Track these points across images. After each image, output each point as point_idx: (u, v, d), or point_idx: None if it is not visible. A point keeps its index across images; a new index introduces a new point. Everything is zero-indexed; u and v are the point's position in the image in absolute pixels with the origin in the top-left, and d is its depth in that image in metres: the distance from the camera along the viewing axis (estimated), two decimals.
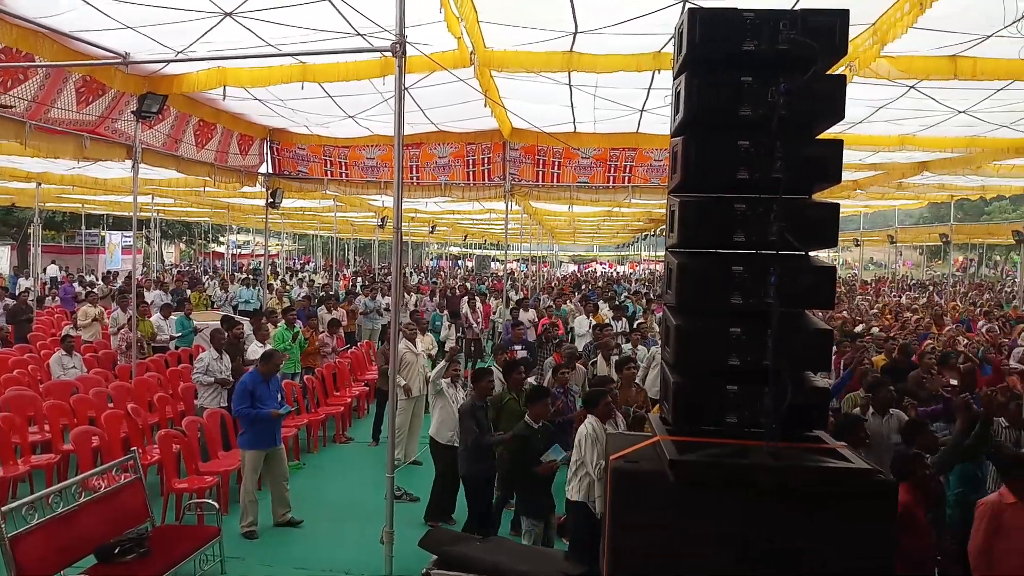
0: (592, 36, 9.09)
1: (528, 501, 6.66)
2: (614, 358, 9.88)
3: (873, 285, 35.17)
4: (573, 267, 67.67)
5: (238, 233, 55.18)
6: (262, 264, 23.40)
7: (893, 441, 6.58)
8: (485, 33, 9.15)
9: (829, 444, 3.34)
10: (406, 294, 20.22)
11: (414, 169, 15.17)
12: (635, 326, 13.66)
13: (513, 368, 8.21)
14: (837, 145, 3.38)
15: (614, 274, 51.95)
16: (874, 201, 28.41)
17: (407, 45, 6.17)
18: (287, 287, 24.53)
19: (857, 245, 35.38)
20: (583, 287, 29.19)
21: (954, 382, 9.02)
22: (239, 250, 58.50)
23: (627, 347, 11.38)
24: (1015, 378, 8.72)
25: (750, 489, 3.10)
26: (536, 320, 14.91)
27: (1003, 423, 6.64)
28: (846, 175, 19.84)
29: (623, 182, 14.84)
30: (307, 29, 9.00)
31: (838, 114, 3.37)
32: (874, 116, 12.67)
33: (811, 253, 3.48)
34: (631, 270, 57.25)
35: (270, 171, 16.13)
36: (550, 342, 12.08)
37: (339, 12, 8.38)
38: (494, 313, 18.05)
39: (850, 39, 8.96)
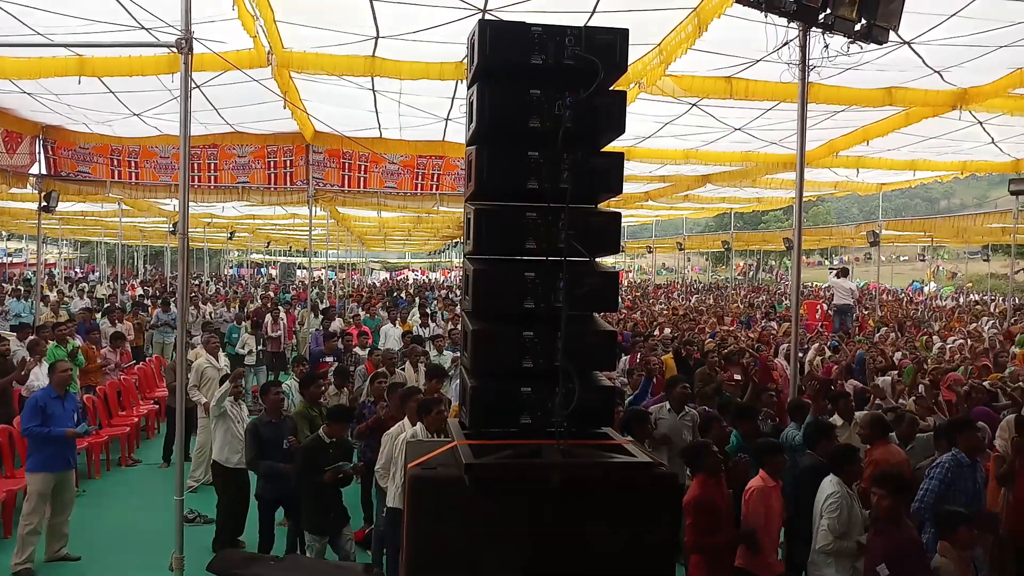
0: (394, 42, 9.07)
1: (313, 516, 6.42)
2: (422, 365, 9.88)
3: (665, 289, 37.64)
4: (385, 274, 67.08)
5: (8, 240, 49.89)
6: (35, 274, 21.30)
7: (685, 437, 6.96)
8: (284, 33, 8.88)
9: (616, 440, 3.52)
10: (202, 304, 19.11)
11: (211, 168, 14.39)
12: (447, 332, 13.74)
13: (311, 381, 7.96)
14: (619, 157, 3.58)
15: (426, 281, 52.03)
16: (664, 211, 30.45)
17: (195, 41, 5.84)
18: (65, 298, 22.44)
19: (650, 252, 37.71)
20: (394, 294, 28.99)
21: (738, 376, 9.75)
22: (10, 258, 52.88)
23: (435, 355, 11.39)
24: (776, 372, 9.67)
25: (543, 488, 3.20)
26: (343, 329, 14.61)
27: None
28: (638, 187, 21.13)
29: (431, 189, 14.92)
30: (85, 20, 8.31)
31: (619, 128, 3.57)
32: (661, 131, 13.57)
33: (597, 259, 3.66)
34: (443, 277, 57.69)
35: (43, 172, 14.68)
36: (350, 351, 11.88)
37: (120, 3, 7.81)
38: (298, 323, 17.50)
39: (638, 58, 9.62)
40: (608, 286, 3.54)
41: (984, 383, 8.69)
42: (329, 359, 11.42)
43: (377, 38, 8.94)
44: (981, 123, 12.47)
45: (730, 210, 28.09)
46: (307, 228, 15.75)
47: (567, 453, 3.27)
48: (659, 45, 9.04)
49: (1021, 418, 6.40)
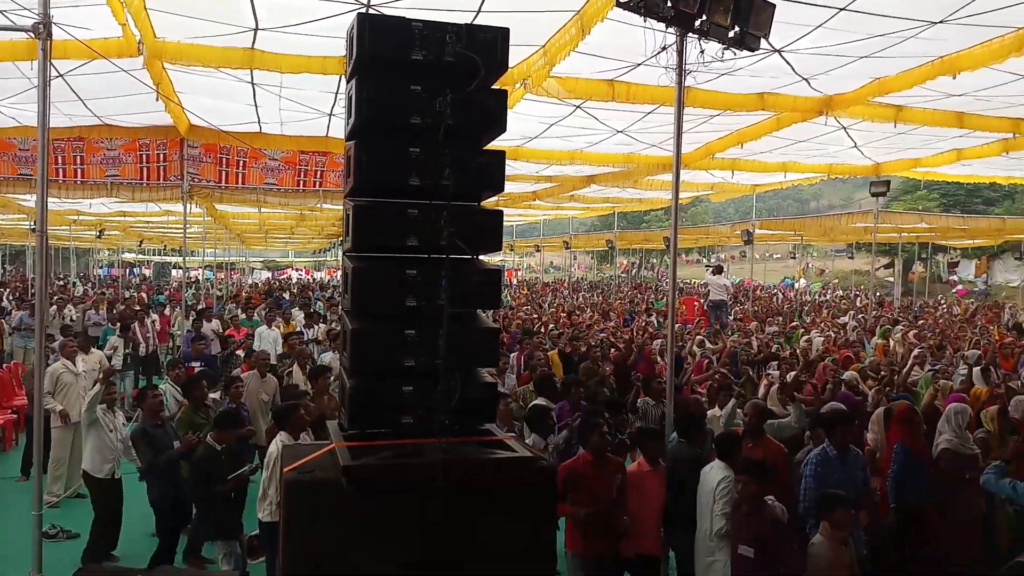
0: (274, 34, 8.79)
1: (219, 523, 6.20)
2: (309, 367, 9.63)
3: (552, 286, 38.21)
4: (267, 274, 65.07)
5: None
6: None
7: None
8: (156, 21, 8.44)
9: (498, 436, 3.53)
10: (66, 307, 17.99)
11: (77, 161, 13.55)
12: (328, 333, 13.44)
13: (193, 385, 7.64)
14: (500, 155, 3.59)
15: (310, 280, 50.81)
16: (552, 210, 30.86)
17: (55, 26, 5.48)
18: None
19: (538, 250, 38.17)
20: (274, 294, 28.16)
21: (608, 368, 9.97)
22: None
23: (326, 356, 11.09)
24: (662, 364, 9.98)
25: (425, 486, 3.18)
26: (221, 331, 14.06)
27: (649, 401, 7.52)
28: (526, 186, 21.33)
29: (314, 186, 14.56)
30: None
31: (501, 126, 3.59)
32: (547, 132, 13.72)
33: (480, 256, 3.66)
34: (328, 276, 56.47)
35: None
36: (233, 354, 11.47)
37: None
38: (173, 325, 16.74)
39: (523, 59, 9.66)
40: (491, 283, 3.55)
41: (846, 374, 9.24)
42: (196, 364, 10.91)
43: (256, 30, 8.64)
44: (845, 128, 13.21)
45: (614, 210, 28.75)
46: (182, 225, 15.09)
47: (448, 451, 3.25)
48: (544, 47, 9.13)
49: (890, 411, 6.81)
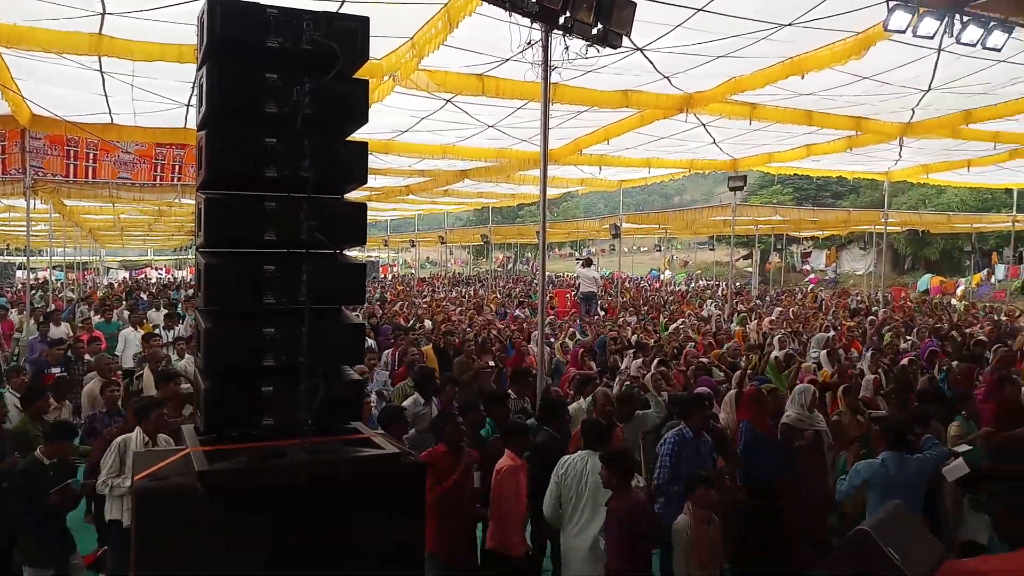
0: (124, 19, 8.28)
1: (33, 547, 5.71)
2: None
3: (428, 282, 38.06)
4: (124, 273, 61.51)
5: None
6: None
7: None
8: None
9: (365, 434, 3.46)
10: None
11: None
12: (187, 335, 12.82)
13: (35, 395, 7.09)
14: (363, 147, 3.51)
15: (171, 279, 48.41)
16: (426, 205, 30.71)
17: None
18: None
19: (413, 246, 37.90)
20: (132, 294, 26.65)
21: (492, 363, 10.06)
22: None
23: (176, 359, 10.53)
24: (532, 358, 10.13)
25: (287, 489, 3.07)
26: (72, 335, 13.17)
27: (512, 395, 7.57)
28: (399, 180, 21.13)
29: (172, 180, 13.85)
30: None
31: (363, 117, 3.50)
32: (418, 125, 13.61)
33: (343, 251, 3.57)
34: (191, 275, 53.99)
35: None
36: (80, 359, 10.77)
37: None
38: (17, 330, 15.54)
39: (391, 51, 9.53)
40: (354, 279, 3.47)
41: (705, 359, 9.67)
42: (56, 370, 10.21)
43: (104, 14, 8.11)
44: (704, 125, 13.77)
45: (488, 205, 28.92)
46: (25, 223, 14.02)
47: (312, 451, 3.15)
48: (412, 39, 9.04)
49: (740, 394, 7.16)
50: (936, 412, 6.93)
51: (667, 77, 10.85)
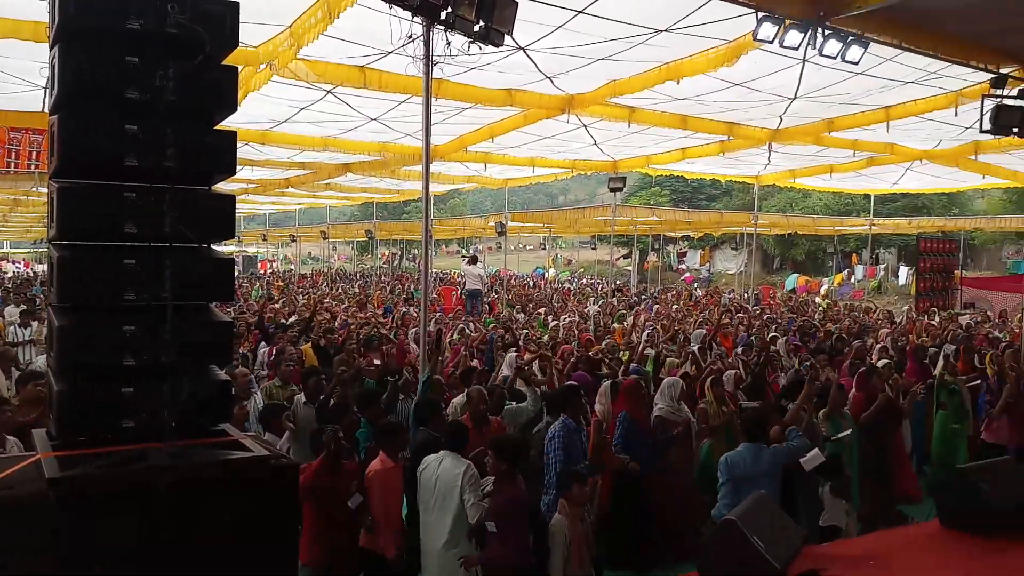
0: None
1: None
2: (15, 371, 8.52)
3: (310, 278, 37.16)
4: None
5: None
6: None
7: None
8: None
9: (233, 436, 3.33)
10: None
11: None
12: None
13: None
14: (231, 136, 3.37)
15: (30, 274, 45.26)
16: (308, 199, 29.99)
17: None
18: None
19: (294, 241, 36.94)
20: None
21: (377, 362, 9.87)
22: None
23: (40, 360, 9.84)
24: (413, 356, 10.07)
25: (150, 495, 2.92)
26: None
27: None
28: (278, 172, 20.53)
29: (28, 168, 12.93)
30: None
31: (231, 105, 3.37)
32: (298, 116, 13.27)
33: (211, 245, 3.42)
34: None
35: None
36: None
37: None
38: None
39: (268, 39, 9.23)
40: (222, 274, 3.34)
41: (589, 353, 9.87)
42: None
43: None
44: (586, 126, 14.05)
45: (373, 200, 28.52)
46: None
47: (175, 455, 3.01)
48: (290, 27, 8.79)
49: (616, 384, 7.34)
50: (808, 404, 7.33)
51: (549, 78, 10.99)
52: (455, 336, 11.95)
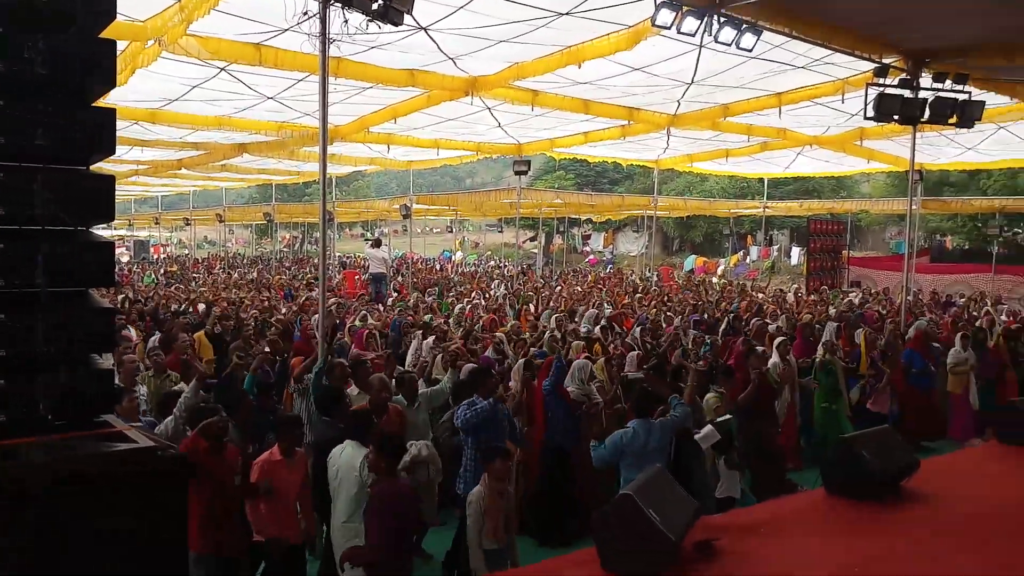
0: None
1: None
2: None
3: (205, 263, 35.88)
4: None
5: None
6: None
7: None
8: None
9: (117, 427, 3.18)
10: None
11: None
12: None
13: None
14: (110, 114, 3.19)
15: None
16: (203, 181, 28.95)
17: None
18: None
19: (188, 224, 35.60)
20: None
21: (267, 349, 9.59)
22: None
23: None
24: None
25: (23, 492, 2.75)
26: None
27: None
28: (169, 153, 19.72)
29: None
30: None
31: (109, 81, 3.19)
32: (190, 94, 12.75)
33: (89, 228, 3.25)
34: None
35: None
36: None
37: None
38: None
39: (156, 13, 8.81)
40: (102, 258, 3.16)
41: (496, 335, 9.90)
42: None
43: None
44: (490, 109, 14.03)
45: (271, 182, 27.77)
46: None
47: (54, 449, 2.85)
48: (180, 1, 8.42)
49: (530, 362, 7.41)
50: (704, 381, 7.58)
51: (452, 59, 10.92)
52: (357, 322, 11.75)
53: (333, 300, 14.12)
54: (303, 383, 6.54)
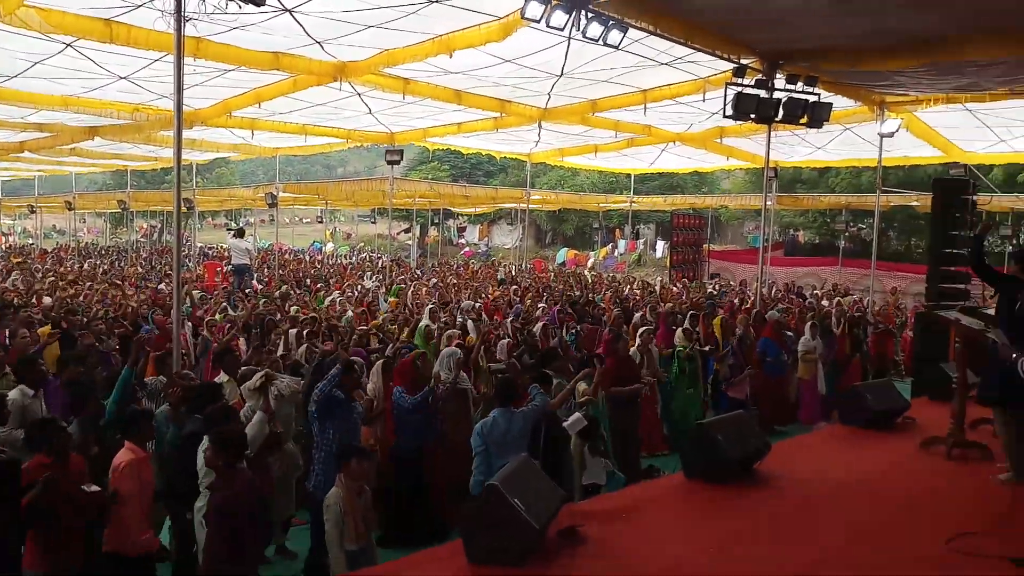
0: None
1: None
2: None
3: (54, 253, 33.46)
4: None
5: None
6: None
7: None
8: None
9: None
10: None
11: None
12: None
13: None
14: None
15: None
16: (49, 165, 27.03)
17: None
18: None
19: (33, 212, 33.12)
20: None
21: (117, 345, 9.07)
22: None
23: None
24: (185, 335, 9.36)
25: None
26: None
27: (162, 379, 6.92)
28: (10, 135, 18.22)
29: None
30: None
31: None
32: (32, 71, 11.82)
33: None
34: None
35: None
36: None
37: None
38: None
39: None
40: None
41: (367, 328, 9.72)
42: None
43: None
44: (360, 95, 13.70)
45: (126, 167, 26.19)
46: None
47: None
48: None
49: (389, 363, 7.28)
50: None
51: (319, 43, 10.60)
52: (218, 316, 11.27)
53: (197, 293, 13.54)
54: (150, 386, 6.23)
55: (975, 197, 10.41)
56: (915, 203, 22.53)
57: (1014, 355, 4.29)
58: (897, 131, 13.85)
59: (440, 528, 6.53)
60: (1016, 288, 5.53)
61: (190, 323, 10.47)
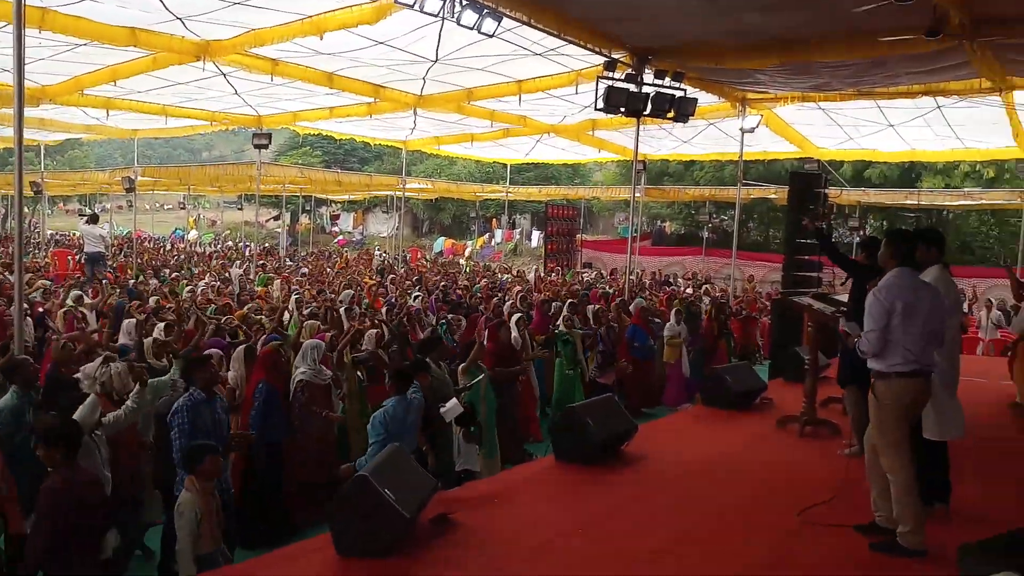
0: None
1: None
2: None
3: None
4: None
5: None
6: None
7: None
8: None
9: None
10: None
11: None
12: None
13: None
14: None
15: None
16: None
17: None
18: None
19: None
20: None
21: None
22: None
23: None
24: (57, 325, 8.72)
25: None
26: None
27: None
28: None
29: None
30: None
31: None
32: None
33: None
34: None
35: None
36: None
37: None
38: None
39: None
40: None
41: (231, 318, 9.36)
42: None
43: None
44: (225, 76, 13.10)
45: None
46: None
47: None
48: None
49: (251, 348, 7.02)
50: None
51: (181, 19, 10.08)
52: (70, 303, 10.55)
53: (40, 283, 12.64)
54: None
55: (827, 190, 11.10)
56: (773, 195, 23.74)
57: (855, 338, 4.63)
58: (757, 127, 14.58)
59: (291, 529, 6.32)
60: (866, 274, 5.93)
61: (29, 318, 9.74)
